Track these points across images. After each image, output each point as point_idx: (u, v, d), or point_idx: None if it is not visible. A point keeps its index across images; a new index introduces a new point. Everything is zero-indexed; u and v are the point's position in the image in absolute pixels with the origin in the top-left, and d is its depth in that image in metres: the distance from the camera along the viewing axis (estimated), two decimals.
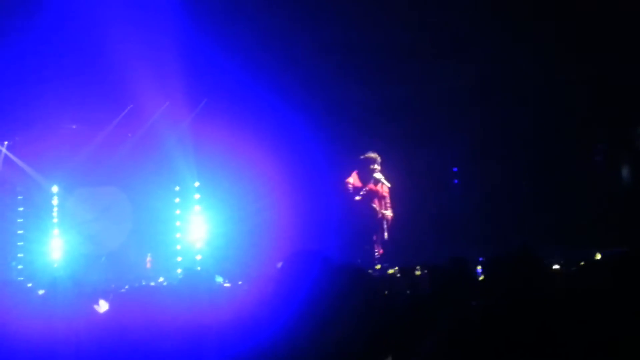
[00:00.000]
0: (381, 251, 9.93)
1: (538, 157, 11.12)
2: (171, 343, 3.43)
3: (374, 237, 9.99)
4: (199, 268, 10.82)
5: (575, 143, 10.77)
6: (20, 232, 13.02)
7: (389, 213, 10.06)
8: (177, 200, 13.30)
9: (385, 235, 9.98)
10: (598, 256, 5.93)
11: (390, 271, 8.39)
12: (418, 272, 6.30)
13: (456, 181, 12.26)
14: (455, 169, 12.25)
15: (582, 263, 5.30)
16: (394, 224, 10.13)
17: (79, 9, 10.14)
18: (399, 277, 6.30)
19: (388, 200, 10.10)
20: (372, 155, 10.03)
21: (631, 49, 9.61)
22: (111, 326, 3.84)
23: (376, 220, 9.98)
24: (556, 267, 6.87)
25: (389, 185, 10.02)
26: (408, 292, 4.53)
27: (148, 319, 3.80)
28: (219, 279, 5.81)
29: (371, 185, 9.97)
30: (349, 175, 10.06)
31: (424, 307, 3.90)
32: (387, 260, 9.64)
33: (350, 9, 10.56)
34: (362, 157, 10.08)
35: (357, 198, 9.88)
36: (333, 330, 1.89)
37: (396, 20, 10.58)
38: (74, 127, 12.83)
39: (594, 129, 10.62)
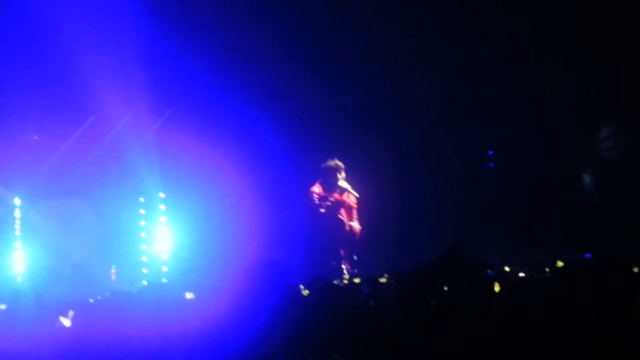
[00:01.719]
0: (348, 267, 9.28)
1: (500, 164, 11.28)
2: (137, 355, 3.39)
3: (341, 252, 9.35)
4: (164, 280, 10.73)
5: (539, 148, 10.89)
6: None
7: (356, 225, 9.42)
8: (142, 211, 13.19)
9: (354, 251, 9.37)
10: (560, 263, 5.99)
11: (356, 280, 8.26)
12: (383, 280, 6.26)
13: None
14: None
15: (546, 269, 5.38)
16: (364, 235, 9.55)
17: (41, 19, 10.03)
18: (362, 287, 6.22)
19: (355, 211, 9.45)
20: (334, 163, 9.38)
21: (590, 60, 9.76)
22: (75, 340, 3.79)
23: (343, 233, 9.32)
24: (522, 274, 6.92)
25: (356, 194, 9.40)
26: (371, 302, 4.49)
27: (113, 331, 3.76)
28: (190, 295, 5.76)
29: (336, 195, 9.34)
30: (313, 184, 9.42)
31: (383, 317, 3.89)
32: (361, 270, 9.15)
33: (318, 15, 10.53)
34: (323, 165, 9.43)
35: (322, 210, 9.27)
36: (291, 340, 1.90)
37: (366, 27, 10.58)
38: (35, 138, 12.65)
39: (563, 134, 10.74)
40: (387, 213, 11.09)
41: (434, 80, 10.97)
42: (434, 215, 11.29)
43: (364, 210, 9.65)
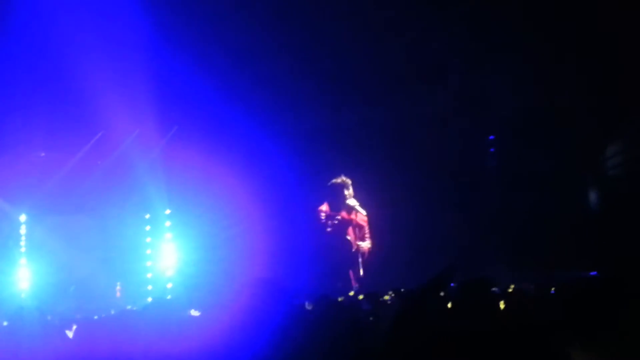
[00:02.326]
0: (357, 286, 8.95)
1: (505, 181, 11.28)
2: None
3: (350, 273, 9.01)
4: (169, 297, 10.70)
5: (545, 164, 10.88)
6: None
7: (365, 244, 9.09)
8: (147, 228, 13.18)
9: (361, 271, 9.02)
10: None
11: (361, 297, 8.17)
12: (387, 297, 6.21)
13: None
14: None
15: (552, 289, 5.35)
16: (375, 254, 9.23)
17: (49, 34, 10.08)
18: (362, 303, 6.16)
19: (366, 229, 9.13)
20: (341, 180, 9.11)
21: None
22: (79, 357, 3.77)
23: (350, 253, 9.03)
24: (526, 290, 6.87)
25: (364, 212, 9.13)
26: (371, 319, 4.45)
27: (117, 348, 3.74)
28: (195, 313, 5.74)
29: (344, 214, 9.07)
30: (321, 203, 9.18)
31: (382, 334, 3.86)
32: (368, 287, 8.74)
33: (328, 34, 10.54)
34: (330, 183, 9.16)
35: (328, 230, 9.00)
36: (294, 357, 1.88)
37: (374, 46, 10.59)
38: (42, 154, 12.69)
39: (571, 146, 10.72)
40: (394, 229, 11.05)
41: (439, 96, 10.97)
42: (443, 230, 11.26)
43: (374, 227, 9.40)
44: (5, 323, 4.74)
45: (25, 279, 12.67)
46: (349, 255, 9.05)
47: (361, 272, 9.03)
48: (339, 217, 9.10)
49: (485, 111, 11.07)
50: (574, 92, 10.10)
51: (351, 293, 8.91)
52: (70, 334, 4.90)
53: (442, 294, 3.41)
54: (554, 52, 10.00)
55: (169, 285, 12.56)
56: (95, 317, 7.87)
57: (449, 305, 3.94)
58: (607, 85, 9.81)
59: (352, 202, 9.12)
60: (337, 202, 9.13)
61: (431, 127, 11.27)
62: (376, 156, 11.52)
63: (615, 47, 9.50)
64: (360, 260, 9.09)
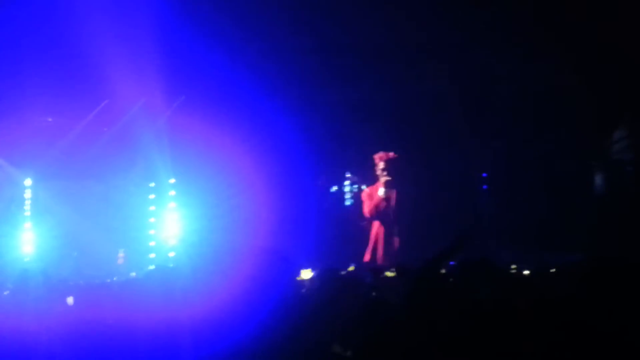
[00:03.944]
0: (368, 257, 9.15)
1: (514, 160, 11.26)
2: (145, 339, 3.41)
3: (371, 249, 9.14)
4: (171, 265, 10.76)
5: (560, 148, 10.85)
6: None
7: (388, 219, 9.19)
8: (151, 196, 13.23)
9: (378, 249, 9.11)
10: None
11: (351, 268, 8.20)
12: (390, 274, 6.25)
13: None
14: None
15: (552, 269, 5.37)
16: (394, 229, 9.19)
17: (57, 1, 10.04)
18: (365, 277, 6.21)
19: (389, 204, 9.20)
20: (375, 155, 9.35)
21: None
22: (80, 321, 3.81)
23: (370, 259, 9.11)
24: (526, 272, 6.93)
25: (384, 189, 9.19)
26: (373, 294, 4.51)
27: (120, 314, 3.78)
28: (197, 281, 5.78)
29: (374, 187, 9.32)
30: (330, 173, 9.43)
31: (385, 310, 3.90)
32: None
33: (344, 7, 10.42)
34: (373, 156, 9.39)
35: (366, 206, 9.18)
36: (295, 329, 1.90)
37: (392, 19, 10.47)
38: (49, 119, 12.71)
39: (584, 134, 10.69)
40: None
41: (452, 76, 10.90)
42: (444, 212, 11.25)
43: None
44: (7, 290, 4.78)
45: (30, 242, 12.75)
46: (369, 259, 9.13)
47: (379, 251, 9.07)
48: (367, 191, 9.30)
49: (496, 92, 11.02)
50: (584, 74, 10.06)
51: (351, 268, 9.00)
52: (70, 300, 4.94)
53: (442, 271, 3.44)
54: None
55: (172, 254, 12.63)
56: (97, 282, 7.94)
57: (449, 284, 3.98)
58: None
59: (382, 177, 9.19)
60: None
61: (439, 109, 11.24)
62: (383, 134, 11.47)
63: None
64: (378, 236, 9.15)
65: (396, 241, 9.20)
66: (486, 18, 10.02)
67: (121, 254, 12.72)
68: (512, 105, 10.96)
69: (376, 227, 9.26)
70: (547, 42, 10.03)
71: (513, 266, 7.14)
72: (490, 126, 11.18)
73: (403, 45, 10.77)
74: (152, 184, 13.19)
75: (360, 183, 10.69)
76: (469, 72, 10.86)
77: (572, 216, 10.40)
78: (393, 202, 9.18)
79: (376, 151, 9.52)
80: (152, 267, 11.44)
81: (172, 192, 13.00)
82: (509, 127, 11.10)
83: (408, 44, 10.76)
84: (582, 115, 10.38)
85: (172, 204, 13.00)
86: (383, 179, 9.19)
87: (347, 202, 12.67)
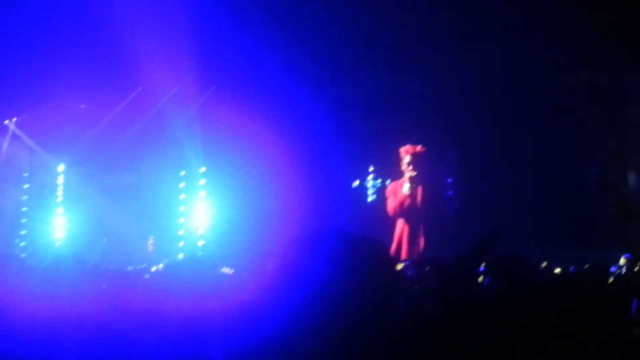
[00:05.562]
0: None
1: (543, 159, 11.15)
2: (173, 327, 3.43)
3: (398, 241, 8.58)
4: (200, 254, 10.82)
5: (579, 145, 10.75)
6: (24, 209, 13.03)
7: (413, 218, 8.60)
8: (182, 184, 13.30)
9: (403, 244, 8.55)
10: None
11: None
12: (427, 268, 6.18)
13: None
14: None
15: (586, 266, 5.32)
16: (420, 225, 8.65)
17: None
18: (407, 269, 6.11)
19: (414, 202, 8.59)
20: (401, 148, 8.71)
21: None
22: (109, 307, 3.85)
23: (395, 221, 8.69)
24: (557, 270, 6.86)
25: (410, 184, 8.58)
26: (416, 287, 4.47)
27: (147, 302, 3.80)
28: (226, 270, 5.80)
29: (399, 182, 8.76)
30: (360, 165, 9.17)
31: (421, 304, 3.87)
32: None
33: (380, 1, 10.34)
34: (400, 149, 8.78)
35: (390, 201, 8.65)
36: (347, 317, 1.88)
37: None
38: (83, 106, 12.82)
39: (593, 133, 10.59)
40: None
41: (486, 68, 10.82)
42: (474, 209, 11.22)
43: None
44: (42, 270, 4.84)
45: (61, 228, 12.89)
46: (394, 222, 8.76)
47: (402, 252, 8.58)
48: (392, 186, 8.89)
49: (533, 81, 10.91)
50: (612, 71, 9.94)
51: None
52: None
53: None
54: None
55: (201, 243, 12.69)
56: (129, 269, 8.00)
57: (480, 279, 3.95)
58: None
59: (407, 172, 8.67)
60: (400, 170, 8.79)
61: (470, 101, 11.18)
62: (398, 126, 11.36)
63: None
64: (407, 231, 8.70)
65: (421, 242, 8.63)
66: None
67: (151, 242, 12.81)
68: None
69: (400, 225, 8.69)
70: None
71: (544, 263, 7.07)
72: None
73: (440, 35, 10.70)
74: (183, 173, 13.25)
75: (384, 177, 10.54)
76: (516, 59, 10.75)
77: (605, 215, 10.31)
78: (419, 199, 8.59)
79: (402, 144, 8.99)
80: (181, 255, 11.50)
81: (203, 181, 13.06)
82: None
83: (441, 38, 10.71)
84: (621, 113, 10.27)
85: (202, 193, 13.06)
86: (408, 174, 8.63)
87: (370, 198, 12.62)
